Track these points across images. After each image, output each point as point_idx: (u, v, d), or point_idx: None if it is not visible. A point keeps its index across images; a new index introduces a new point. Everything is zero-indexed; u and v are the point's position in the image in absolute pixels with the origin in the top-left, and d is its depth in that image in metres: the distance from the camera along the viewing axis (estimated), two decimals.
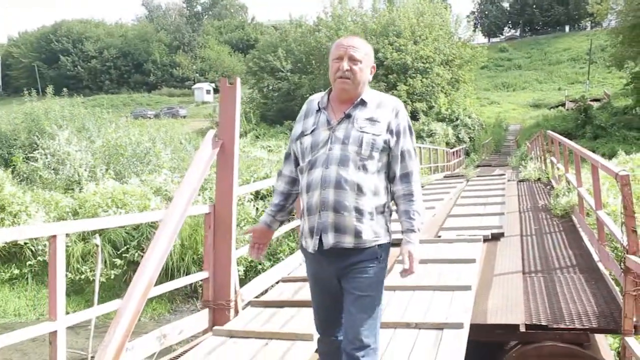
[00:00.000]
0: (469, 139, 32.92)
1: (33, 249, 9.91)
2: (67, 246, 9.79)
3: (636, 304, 3.80)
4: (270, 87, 42.89)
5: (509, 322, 4.22)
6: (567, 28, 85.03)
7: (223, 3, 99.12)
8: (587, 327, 4.12)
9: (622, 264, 3.98)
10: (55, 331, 3.26)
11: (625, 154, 17.90)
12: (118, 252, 9.62)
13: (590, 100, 38.45)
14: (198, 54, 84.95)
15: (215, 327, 4.43)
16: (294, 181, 2.84)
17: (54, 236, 3.25)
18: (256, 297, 5.15)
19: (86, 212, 10.37)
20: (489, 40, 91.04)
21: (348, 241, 2.55)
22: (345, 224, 2.53)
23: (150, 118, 43.25)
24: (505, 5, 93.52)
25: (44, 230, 3.54)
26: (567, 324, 4.18)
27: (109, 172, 12.54)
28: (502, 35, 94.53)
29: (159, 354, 4.24)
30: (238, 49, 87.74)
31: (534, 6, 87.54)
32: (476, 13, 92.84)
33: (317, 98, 2.78)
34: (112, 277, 9.40)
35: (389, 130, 2.61)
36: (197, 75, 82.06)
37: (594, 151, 25.32)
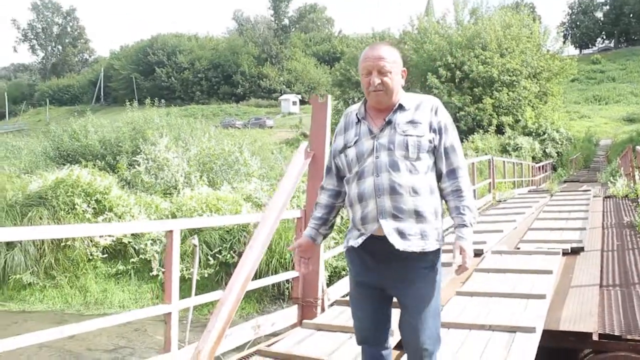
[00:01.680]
0: (556, 154, 32.07)
1: (135, 248, 10.80)
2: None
3: None
4: (355, 99, 43.52)
5: (582, 330, 4.40)
6: None
7: (310, 16, 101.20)
8: None
9: None
10: (170, 313, 3.81)
11: None
12: (212, 253, 10.34)
13: None
14: (285, 66, 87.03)
15: (305, 321, 4.88)
16: (337, 194, 2.85)
17: (171, 231, 3.82)
18: (342, 296, 5.57)
19: (183, 215, 11.19)
20: (580, 51, 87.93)
21: (415, 243, 2.56)
22: (407, 229, 2.55)
23: (238, 128, 44.76)
24: (599, 15, 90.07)
25: (163, 226, 4.14)
26: None
27: (203, 179, 13.43)
28: (595, 46, 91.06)
29: (253, 342, 4.75)
30: (324, 61, 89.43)
31: (631, 15, 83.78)
32: (567, 24, 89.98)
33: (354, 110, 2.80)
34: (206, 275, 10.11)
35: (432, 130, 2.63)
36: (284, 86, 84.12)
37: None
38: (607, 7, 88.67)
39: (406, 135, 2.58)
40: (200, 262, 10.28)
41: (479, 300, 4.98)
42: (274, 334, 4.91)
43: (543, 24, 41.11)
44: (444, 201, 2.73)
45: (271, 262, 9.99)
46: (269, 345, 4.47)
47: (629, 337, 4.31)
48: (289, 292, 9.95)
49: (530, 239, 7.88)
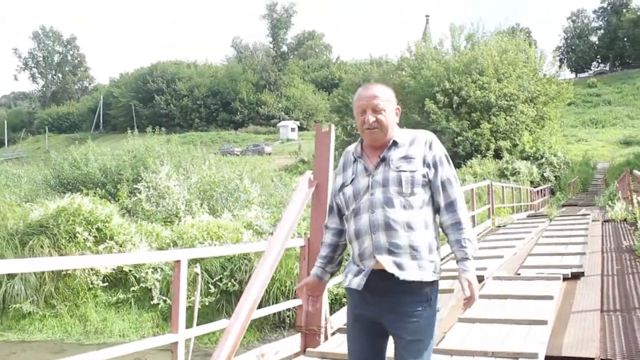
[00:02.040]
0: (554, 178, 32.17)
1: (136, 276, 10.80)
2: (167, 274, 10.64)
3: None
4: (353, 126, 43.72)
5: (584, 355, 4.44)
6: None
7: (308, 43, 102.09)
8: None
9: None
10: (177, 342, 3.85)
11: None
12: (212, 281, 10.35)
13: None
14: (283, 93, 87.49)
15: (308, 349, 4.90)
16: (340, 232, 2.89)
17: (179, 261, 3.88)
18: (344, 324, 5.59)
19: (184, 243, 11.22)
20: (576, 75, 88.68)
21: (413, 273, 2.57)
22: (403, 263, 2.56)
23: (237, 155, 45.00)
24: (594, 39, 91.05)
25: (171, 256, 4.19)
26: None
27: (203, 207, 13.49)
28: (590, 70, 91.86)
29: None
30: (322, 88, 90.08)
31: (625, 39, 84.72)
32: (563, 48, 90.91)
33: (351, 149, 2.87)
34: (207, 304, 10.10)
35: (426, 164, 2.67)
36: (282, 113, 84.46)
37: None
38: (602, 31, 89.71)
39: (399, 171, 2.63)
40: (200, 290, 10.30)
41: (481, 327, 5.02)
42: None
43: (539, 49, 41.63)
44: (443, 234, 2.76)
45: (271, 289, 10.00)
46: None
47: None
48: (289, 319, 9.95)
49: (530, 265, 7.93)
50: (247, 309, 4.21)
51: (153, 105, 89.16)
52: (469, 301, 2.62)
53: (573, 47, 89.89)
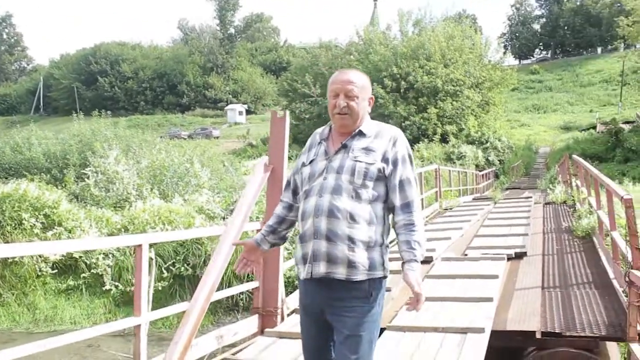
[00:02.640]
0: (498, 162, 33.19)
1: (87, 262, 10.65)
2: (119, 260, 10.56)
3: (639, 313, 4.30)
4: (302, 110, 43.70)
5: (527, 329, 4.74)
6: (599, 50, 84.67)
7: (256, 26, 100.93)
8: (597, 335, 4.62)
9: (627, 277, 4.48)
10: (139, 325, 3.92)
11: None
12: (165, 266, 10.33)
13: (622, 123, 38.37)
14: (231, 76, 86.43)
15: (266, 330, 5.04)
16: (290, 207, 2.89)
17: (140, 245, 3.94)
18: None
19: (135, 229, 11.10)
20: (519, 62, 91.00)
21: (340, 272, 2.54)
22: (338, 253, 2.53)
23: (184, 138, 44.36)
24: (536, 27, 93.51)
25: (132, 240, 4.24)
26: (579, 332, 4.67)
27: (154, 192, 13.36)
28: (533, 57, 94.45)
29: (215, 352, 4.88)
30: (270, 71, 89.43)
31: (566, 27, 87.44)
32: (507, 35, 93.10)
33: (320, 131, 2.87)
34: (160, 288, 10.07)
35: (384, 159, 2.64)
36: (230, 96, 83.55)
37: (624, 174, 25.58)
38: (544, 19, 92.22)
39: (356, 160, 2.61)
40: (155, 275, 10.28)
41: (431, 304, 5.25)
42: (236, 344, 5.05)
43: (484, 35, 42.57)
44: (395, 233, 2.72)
45: (226, 274, 10.05)
46: (234, 354, 4.61)
47: (568, 334, 4.67)
48: (242, 303, 10.05)
49: (476, 246, 8.27)
50: (207, 291, 4.30)
51: (96, 88, 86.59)
52: (414, 302, 2.58)
53: (517, 35, 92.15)
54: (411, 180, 2.69)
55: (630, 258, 4.56)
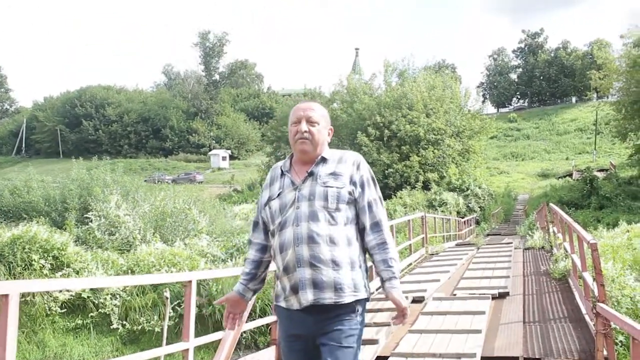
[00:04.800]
0: (479, 208, 34.11)
1: (95, 302, 11.22)
2: (126, 300, 11.14)
3: (605, 340, 5.09)
4: (286, 154, 44.49)
5: (511, 355, 5.51)
6: (573, 99, 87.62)
7: (240, 72, 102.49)
8: (570, 359, 5.41)
9: (594, 309, 5.30)
10: (188, 349, 4.62)
11: (626, 224, 18.48)
12: (171, 306, 10.92)
13: (597, 171, 39.84)
14: (214, 121, 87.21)
15: None
16: (264, 248, 2.88)
17: (190, 281, 4.67)
18: None
19: (141, 270, 11.75)
20: (498, 110, 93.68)
21: (328, 296, 2.60)
22: (323, 278, 2.59)
23: (168, 183, 44.89)
24: (513, 76, 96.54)
25: (182, 277, 4.96)
26: (556, 357, 5.45)
27: (156, 236, 14.03)
28: (511, 105, 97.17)
29: None
30: (253, 117, 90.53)
31: (541, 77, 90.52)
32: (485, 84, 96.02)
33: (279, 164, 2.91)
34: (166, 327, 10.65)
35: (352, 182, 2.72)
36: (213, 141, 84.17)
37: (599, 221, 26.63)
38: (520, 69, 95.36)
39: (326, 186, 2.68)
40: (160, 314, 10.89)
41: (428, 336, 6.01)
42: None
43: (463, 85, 44.28)
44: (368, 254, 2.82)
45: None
46: None
47: (546, 359, 5.44)
48: (258, 337, 10.67)
49: (463, 287, 9.05)
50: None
51: (80, 131, 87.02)
52: (400, 317, 2.73)
53: (495, 84, 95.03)
54: (377, 201, 2.80)
55: (596, 293, 5.38)
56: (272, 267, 2.91)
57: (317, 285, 2.59)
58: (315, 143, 2.77)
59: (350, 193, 2.70)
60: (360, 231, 2.77)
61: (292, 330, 2.75)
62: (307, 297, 2.60)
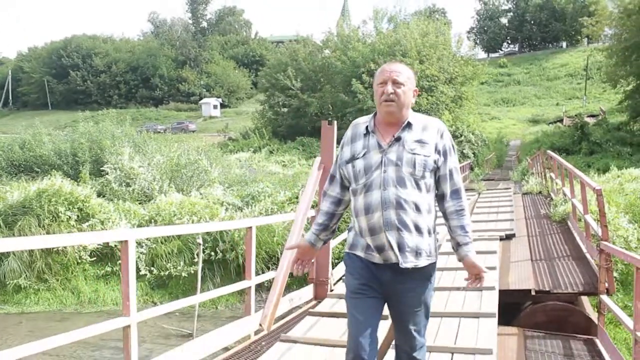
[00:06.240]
0: (472, 154, 34.74)
1: None
2: (153, 247, 11.83)
3: (607, 273, 5.86)
4: (281, 104, 44.62)
5: (524, 287, 6.27)
6: (564, 44, 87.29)
7: (228, 19, 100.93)
8: (576, 291, 6.19)
9: (598, 247, 6.04)
10: (250, 287, 5.30)
11: (617, 169, 19.06)
12: (196, 252, 11.64)
13: (587, 117, 40.29)
14: (204, 69, 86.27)
15: (329, 293, 6.47)
16: (339, 202, 2.94)
17: (250, 227, 5.31)
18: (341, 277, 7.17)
19: (162, 220, 12.39)
20: (488, 55, 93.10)
21: (410, 260, 2.71)
22: (407, 242, 2.68)
23: (160, 132, 45.06)
24: (504, 21, 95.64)
25: (244, 223, 5.61)
26: (564, 289, 6.23)
27: (171, 186, 14.63)
28: (502, 50, 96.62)
29: (288, 311, 6.27)
30: (243, 64, 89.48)
31: (532, 22, 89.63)
32: (475, 29, 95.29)
33: (362, 122, 2.87)
34: (192, 272, 11.39)
35: (437, 151, 2.76)
36: (204, 90, 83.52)
37: (589, 166, 27.41)
38: (511, 14, 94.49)
39: (414, 153, 2.71)
40: (185, 261, 11.62)
41: (448, 272, 6.75)
42: (299, 306, 6.45)
43: (454, 31, 44.33)
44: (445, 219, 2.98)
45: (274, 256, 11.52)
46: (312, 307, 6.02)
47: (555, 291, 6.22)
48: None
49: (472, 229, 9.81)
50: (286, 261, 5.69)
51: (68, 82, 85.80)
52: (476, 279, 3.01)
53: (485, 29, 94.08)
54: (457, 169, 2.89)
55: (600, 233, 6.12)
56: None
57: (401, 248, 2.69)
58: (401, 105, 2.77)
59: (435, 162, 2.76)
60: (439, 197, 2.89)
61: (365, 280, 2.81)
62: (390, 257, 2.72)
